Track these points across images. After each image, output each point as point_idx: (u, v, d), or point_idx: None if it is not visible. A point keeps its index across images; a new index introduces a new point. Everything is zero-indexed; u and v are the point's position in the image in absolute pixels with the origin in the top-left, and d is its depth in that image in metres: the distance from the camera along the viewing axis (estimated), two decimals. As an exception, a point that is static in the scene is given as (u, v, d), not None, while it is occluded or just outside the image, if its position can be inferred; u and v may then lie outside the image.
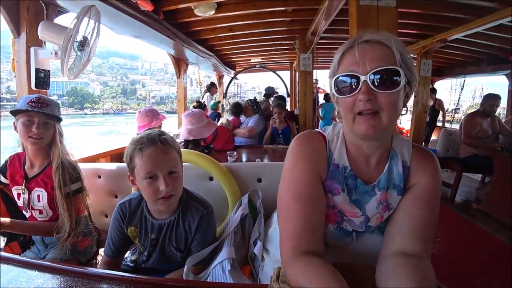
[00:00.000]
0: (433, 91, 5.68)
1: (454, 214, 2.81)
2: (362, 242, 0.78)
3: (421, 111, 4.04)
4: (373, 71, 0.63)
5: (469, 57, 4.81)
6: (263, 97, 5.99)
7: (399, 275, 0.59)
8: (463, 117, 3.74)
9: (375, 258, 0.75)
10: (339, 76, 0.68)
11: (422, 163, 0.75)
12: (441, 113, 5.81)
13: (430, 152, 0.79)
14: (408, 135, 4.51)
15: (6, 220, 1.22)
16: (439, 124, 5.77)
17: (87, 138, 19.77)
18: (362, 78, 0.64)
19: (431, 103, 5.53)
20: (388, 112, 0.64)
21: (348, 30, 1.73)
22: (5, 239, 1.33)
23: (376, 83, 0.64)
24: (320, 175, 0.75)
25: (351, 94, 0.66)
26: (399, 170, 0.75)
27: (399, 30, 1.56)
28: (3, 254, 0.88)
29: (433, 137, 5.41)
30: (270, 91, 6.02)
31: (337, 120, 0.81)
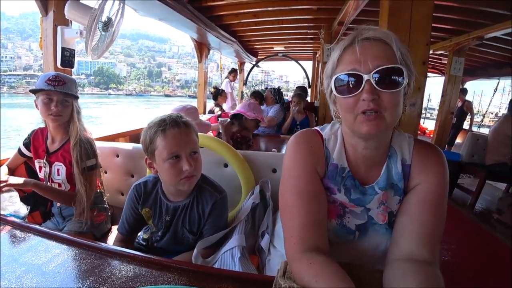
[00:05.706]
0: (464, 91, 5.39)
1: (472, 222, 2.67)
2: (363, 241, 0.76)
3: (447, 111, 3.85)
4: (376, 69, 0.61)
5: (506, 57, 4.49)
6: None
7: (408, 282, 0.57)
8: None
9: (375, 259, 0.74)
10: (339, 75, 0.65)
11: (425, 160, 0.72)
12: (469, 116, 5.54)
13: (434, 147, 0.74)
14: (431, 136, 4.33)
15: (35, 181, 1.27)
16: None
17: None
18: (365, 77, 0.62)
19: (459, 104, 5.28)
20: (391, 111, 0.63)
21: (378, 21, 1.64)
22: (29, 208, 1.39)
23: (379, 82, 0.61)
24: (318, 173, 0.74)
25: (353, 94, 0.64)
26: (397, 169, 0.72)
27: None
28: (25, 223, 0.92)
29: (458, 140, 5.17)
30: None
31: (335, 120, 0.79)
